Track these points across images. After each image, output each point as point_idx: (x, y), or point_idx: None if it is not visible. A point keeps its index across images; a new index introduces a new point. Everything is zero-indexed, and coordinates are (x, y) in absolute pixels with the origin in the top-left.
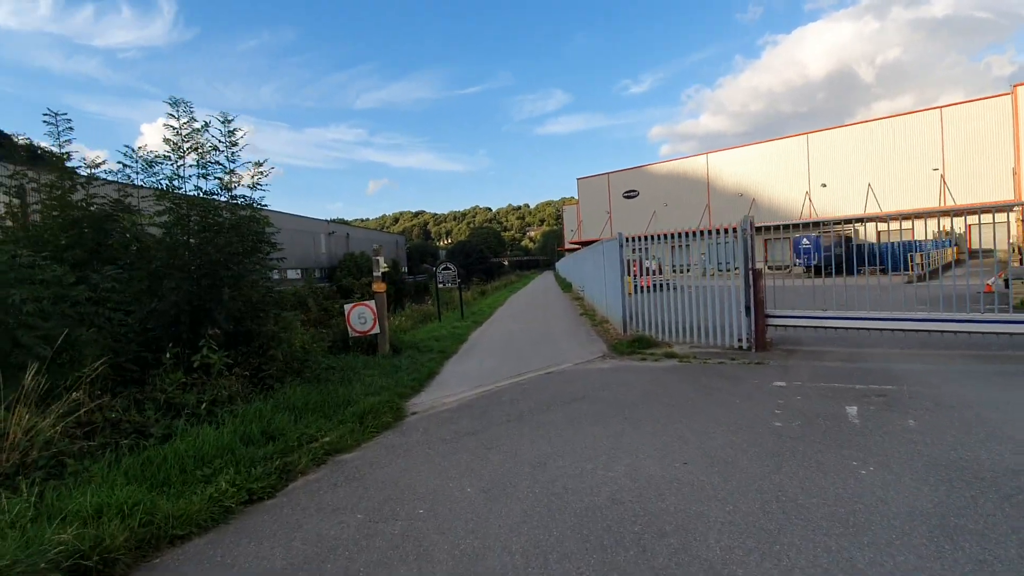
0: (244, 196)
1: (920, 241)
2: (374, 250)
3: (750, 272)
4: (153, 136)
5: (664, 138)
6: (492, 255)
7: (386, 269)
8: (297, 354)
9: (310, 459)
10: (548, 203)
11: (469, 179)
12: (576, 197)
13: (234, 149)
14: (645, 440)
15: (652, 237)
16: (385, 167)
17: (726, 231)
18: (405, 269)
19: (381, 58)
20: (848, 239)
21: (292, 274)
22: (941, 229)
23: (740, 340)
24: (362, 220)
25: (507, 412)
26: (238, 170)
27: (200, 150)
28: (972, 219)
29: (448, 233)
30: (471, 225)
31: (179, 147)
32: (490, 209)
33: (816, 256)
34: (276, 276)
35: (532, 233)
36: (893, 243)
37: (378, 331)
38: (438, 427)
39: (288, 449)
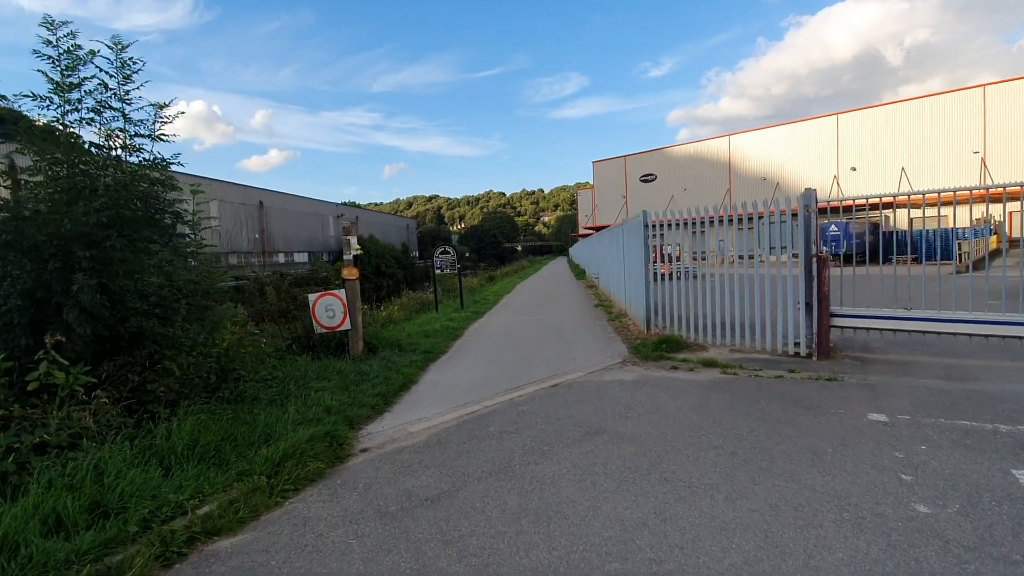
0: (144, 151)
1: (958, 228)
2: (344, 228)
3: (813, 260)
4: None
5: (683, 122)
6: (505, 240)
7: (358, 251)
8: (212, 364)
9: (153, 557)
10: (563, 188)
11: (484, 163)
12: (591, 182)
13: (129, 87)
14: (704, 531)
15: (683, 223)
16: (400, 151)
17: (783, 212)
18: (416, 253)
19: (397, 41)
20: (877, 226)
21: (299, 257)
22: (981, 216)
23: (796, 344)
24: (376, 204)
25: (491, 457)
26: (154, 122)
27: (83, 87)
28: (1012, 206)
29: (462, 218)
30: (484, 210)
31: (61, 85)
32: (504, 194)
33: (846, 244)
34: (282, 259)
35: (546, 218)
36: (929, 230)
37: (348, 327)
38: (387, 483)
39: (118, 538)
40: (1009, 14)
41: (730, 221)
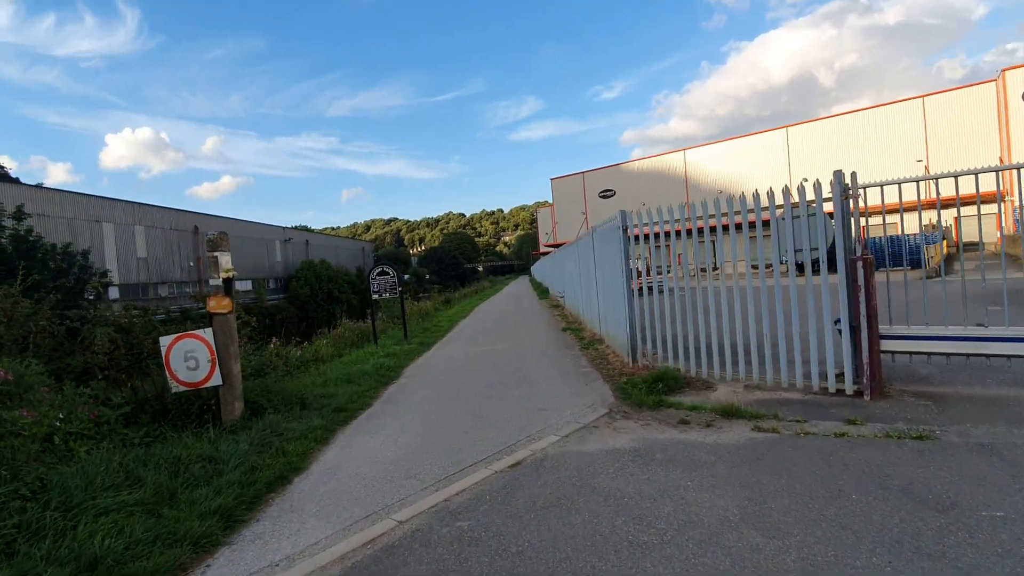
0: None
1: (909, 235)
2: (209, 241)
3: (857, 264)
4: (118, 146)
5: (636, 142)
6: (466, 261)
7: (229, 274)
8: None
9: None
10: (523, 208)
11: (443, 186)
12: (551, 200)
13: None
14: None
15: (671, 226)
16: (358, 175)
17: (810, 205)
18: None
19: (352, 66)
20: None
21: (243, 285)
22: (929, 222)
23: (838, 377)
24: (332, 229)
25: None
26: None
27: None
28: (959, 212)
29: (422, 240)
30: (444, 231)
31: None
32: (464, 215)
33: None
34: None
35: (507, 238)
36: (876, 238)
37: (218, 382)
38: None
39: None
40: (927, 40)
41: (737, 228)
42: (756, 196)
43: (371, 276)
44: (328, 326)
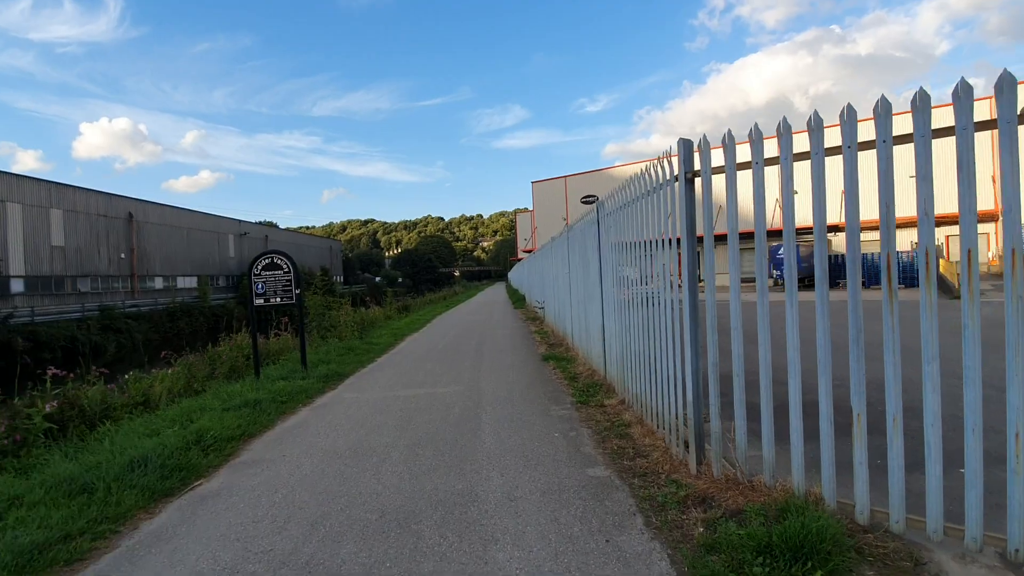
0: None
1: (901, 252)
2: None
3: None
4: (93, 136)
5: (617, 156)
6: (442, 265)
7: None
8: None
9: None
10: (502, 214)
11: (425, 190)
12: (530, 207)
13: None
14: None
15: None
16: (340, 176)
17: None
18: (340, 278)
19: (340, 67)
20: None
21: (185, 281)
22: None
23: None
24: (307, 228)
25: None
26: None
27: None
28: (950, 230)
29: (399, 243)
30: (422, 235)
31: None
32: (442, 219)
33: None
34: (160, 284)
35: (485, 244)
36: (870, 255)
37: None
38: None
39: None
40: (895, 73)
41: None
42: None
43: (253, 271)
44: (267, 330)
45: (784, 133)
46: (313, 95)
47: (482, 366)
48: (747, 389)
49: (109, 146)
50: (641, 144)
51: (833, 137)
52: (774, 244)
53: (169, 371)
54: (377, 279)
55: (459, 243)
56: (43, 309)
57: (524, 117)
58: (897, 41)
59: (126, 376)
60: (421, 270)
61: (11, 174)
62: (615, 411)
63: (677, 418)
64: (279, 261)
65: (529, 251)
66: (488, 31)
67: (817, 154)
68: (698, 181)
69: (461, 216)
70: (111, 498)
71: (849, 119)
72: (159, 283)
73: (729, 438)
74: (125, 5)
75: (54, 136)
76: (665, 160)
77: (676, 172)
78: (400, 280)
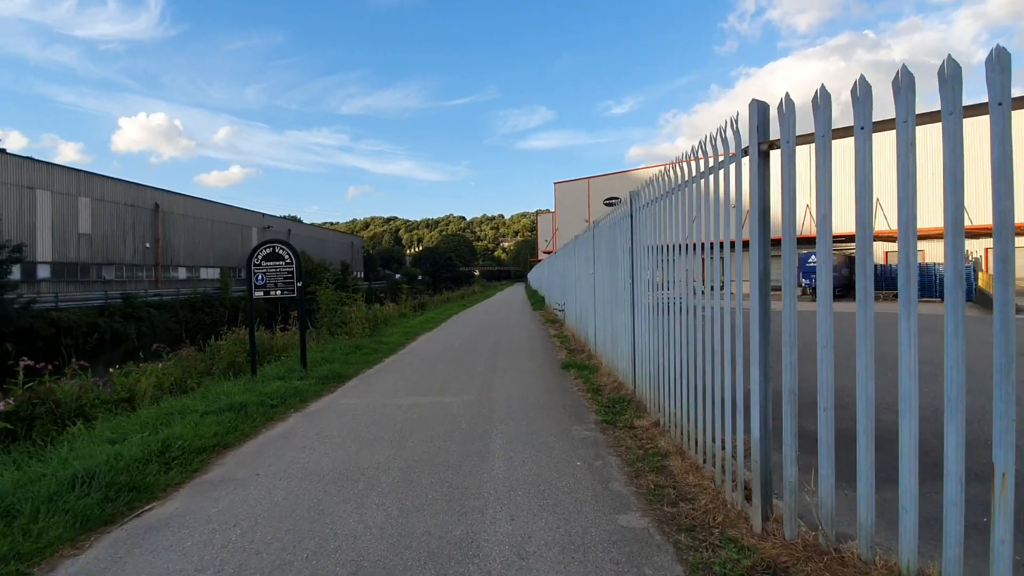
0: None
1: (934, 264)
2: None
3: None
4: (131, 130)
5: (642, 159)
6: (462, 264)
7: None
8: None
9: None
10: (523, 215)
11: (448, 189)
12: (552, 208)
13: None
14: None
15: None
16: (366, 173)
17: None
18: (360, 273)
19: (370, 65)
20: (852, 259)
21: (209, 273)
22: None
23: None
24: (331, 224)
25: None
26: None
27: None
28: (989, 242)
29: (420, 241)
30: (444, 233)
31: None
32: (464, 218)
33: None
34: (184, 274)
35: (506, 244)
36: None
37: None
38: None
39: None
40: (929, 78)
41: None
42: None
43: (253, 261)
44: (274, 324)
45: (863, 98)
46: (342, 92)
47: (496, 372)
48: (824, 424)
49: (146, 140)
50: (666, 147)
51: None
52: (804, 252)
53: (160, 365)
54: (397, 276)
55: (480, 243)
56: (67, 295)
57: (549, 118)
58: (932, 48)
59: (111, 369)
60: (441, 268)
61: (42, 162)
62: (648, 435)
63: (734, 456)
64: (281, 251)
65: (549, 252)
66: (515, 30)
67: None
68: (775, 155)
69: (483, 216)
70: (34, 527)
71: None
72: (182, 273)
73: (808, 489)
74: (165, 3)
75: (94, 130)
76: (728, 128)
77: (746, 143)
78: (420, 278)
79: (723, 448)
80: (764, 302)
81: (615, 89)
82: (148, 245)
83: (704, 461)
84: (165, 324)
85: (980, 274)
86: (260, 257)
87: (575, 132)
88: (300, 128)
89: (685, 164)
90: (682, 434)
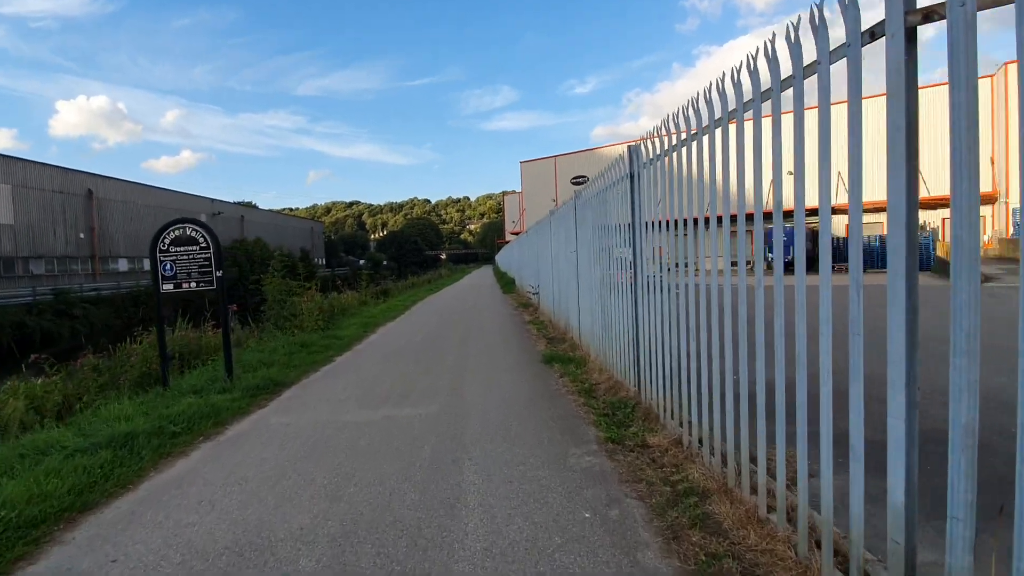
0: None
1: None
2: None
3: None
4: (70, 114)
5: (607, 138)
6: (428, 247)
7: None
8: None
9: None
10: (489, 196)
11: (412, 172)
12: (519, 188)
13: None
14: None
15: None
16: (326, 157)
17: None
18: (321, 260)
19: (326, 45)
20: (815, 232)
21: (123, 264)
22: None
23: None
24: (291, 209)
25: None
26: None
27: None
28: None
29: (384, 225)
30: (408, 217)
31: None
32: (429, 201)
33: (791, 250)
34: (124, 266)
35: (472, 226)
36: (871, 236)
37: None
38: None
39: None
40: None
41: None
42: None
43: (159, 246)
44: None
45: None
46: (298, 73)
47: (466, 371)
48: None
49: (87, 124)
50: (630, 127)
51: None
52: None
53: (39, 381)
54: (361, 262)
55: (446, 226)
56: None
57: (513, 99)
58: None
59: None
60: (407, 253)
61: None
62: (672, 460)
63: (830, 523)
64: (193, 233)
65: (517, 233)
66: (478, 8)
67: None
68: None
69: (448, 198)
70: None
71: None
72: (123, 265)
73: None
74: None
75: (30, 114)
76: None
77: (868, 23)
78: (385, 263)
79: (804, 496)
80: (911, 277)
81: (579, 68)
82: (82, 235)
83: (768, 510)
84: (104, 320)
85: (938, 243)
86: (167, 241)
87: (540, 112)
88: (254, 110)
89: (728, 78)
90: (724, 462)
